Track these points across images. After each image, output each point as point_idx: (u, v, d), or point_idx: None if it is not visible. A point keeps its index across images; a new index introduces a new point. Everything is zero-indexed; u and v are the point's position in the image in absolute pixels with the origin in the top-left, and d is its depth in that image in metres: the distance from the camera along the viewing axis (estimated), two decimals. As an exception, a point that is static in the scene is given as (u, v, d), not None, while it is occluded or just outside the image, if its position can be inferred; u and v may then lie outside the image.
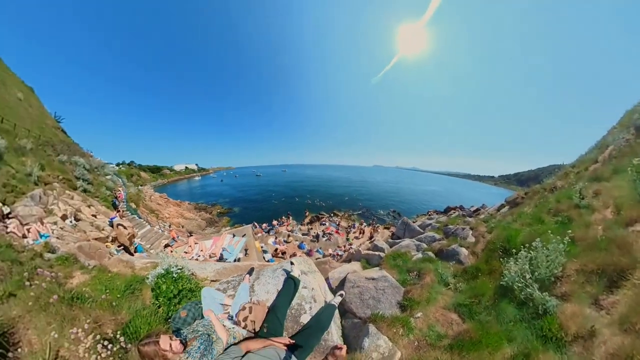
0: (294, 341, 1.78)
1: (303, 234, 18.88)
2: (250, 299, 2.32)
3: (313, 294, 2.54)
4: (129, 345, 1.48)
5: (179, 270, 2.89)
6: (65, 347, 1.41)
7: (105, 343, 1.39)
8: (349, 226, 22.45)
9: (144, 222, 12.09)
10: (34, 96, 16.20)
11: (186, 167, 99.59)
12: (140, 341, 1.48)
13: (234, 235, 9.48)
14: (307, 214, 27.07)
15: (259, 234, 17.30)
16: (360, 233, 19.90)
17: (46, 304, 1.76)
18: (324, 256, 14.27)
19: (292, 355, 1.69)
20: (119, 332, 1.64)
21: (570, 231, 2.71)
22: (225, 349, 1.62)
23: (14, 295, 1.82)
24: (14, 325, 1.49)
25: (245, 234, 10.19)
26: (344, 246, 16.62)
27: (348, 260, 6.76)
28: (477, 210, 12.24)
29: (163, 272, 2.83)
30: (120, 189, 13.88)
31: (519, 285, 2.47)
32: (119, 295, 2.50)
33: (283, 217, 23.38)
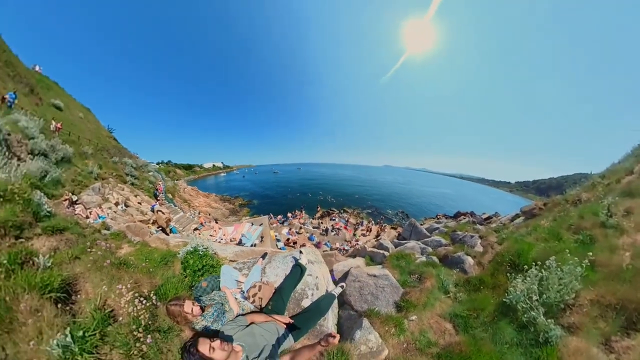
0: (293, 321, 1.84)
1: (314, 227, 19.11)
2: (261, 279, 2.47)
3: (316, 282, 2.59)
4: (159, 303, 1.71)
5: (204, 249, 3.14)
6: (112, 298, 1.68)
7: (141, 299, 1.63)
8: (357, 223, 22.04)
9: (178, 209, 13.51)
10: (91, 114, 20.28)
11: (213, 165, 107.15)
12: (169, 302, 1.69)
13: (252, 224, 9.94)
14: (318, 209, 27.14)
15: (274, 225, 17.88)
16: (367, 231, 19.46)
17: (101, 266, 2.08)
18: (331, 249, 14.29)
19: (290, 334, 1.76)
20: (152, 292, 1.88)
21: (591, 254, 2.26)
22: (234, 318, 1.75)
23: (79, 258, 2.18)
24: (76, 279, 1.82)
25: (262, 224, 10.61)
26: (351, 242, 16.43)
27: (353, 256, 6.67)
28: (489, 218, 11.17)
29: (191, 249, 3.12)
30: (159, 182, 15.52)
31: (523, 306, 2.15)
32: (155, 265, 2.83)
33: (296, 211, 23.72)
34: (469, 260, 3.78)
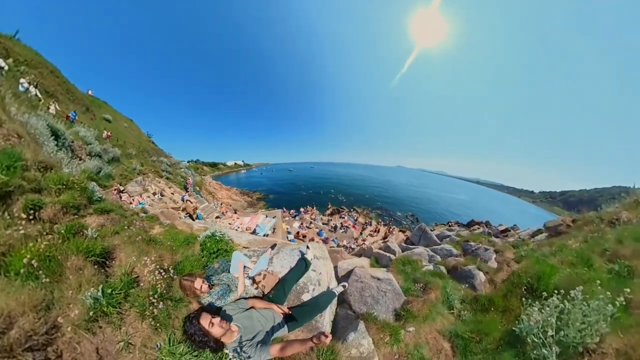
0: (290, 312, 1.85)
1: (323, 224, 19.17)
2: (267, 268, 2.49)
3: (319, 278, 2.52)
4: (175, 276, 1.90)
5: (221, 235, 3.33)
6: (138, 267, 1.92)
7: (161, 271, 1.85)
8: (365, 223, 21.45)
9: (204, 199, 15.29)
10: (134, 124, 24.90)
11: (235, 163, 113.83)
12: (183, 276, 1.83)
13: (266, 216, 10.33)
14: (329, 206, 27.14)
15: (287, 218, 18.43)
16: (375, 231, 18.92)
17: (134, 240, 2.39)
18: (338, 246, 14.13)
19: (285, 324, 1.76)
20: (171, 267, 2.09)
21: (628, 290, 1.78)
22: (237, 300, 1.84)
23: (118, 233, 2.52)
24: (114, 249, 2.14)
25: (275, 216, 10.94)
26: (358, 241, 16.15)
27: (359, 255, 6.36)
28: (506, 230, 9.77)
29: (210, 234, 3.35)
30: (189, 177, 17.88)
31: (535, 340, 1.75)
32: (178, 244, 3.11)
33: (308, 207, 23.96)
34: (481, 275, 3.36)
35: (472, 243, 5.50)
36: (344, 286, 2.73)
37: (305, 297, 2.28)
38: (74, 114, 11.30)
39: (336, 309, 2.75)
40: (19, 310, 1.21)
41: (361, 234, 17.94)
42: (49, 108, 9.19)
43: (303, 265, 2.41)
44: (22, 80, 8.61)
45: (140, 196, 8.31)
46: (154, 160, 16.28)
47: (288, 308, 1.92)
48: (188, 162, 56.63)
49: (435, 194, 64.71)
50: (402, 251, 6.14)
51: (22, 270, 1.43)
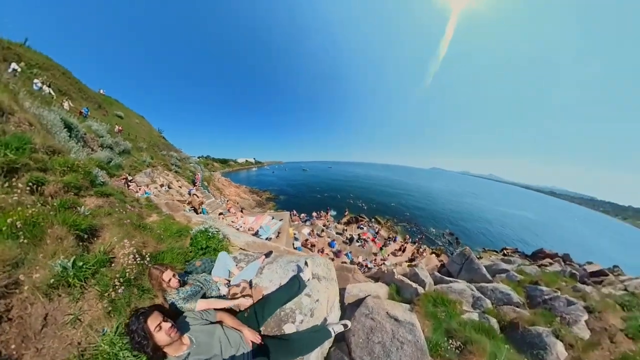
0: (262, 343, 1.66)
1: (337, 233, 18.70)
2: (252, 279, 2.36)
3: (314, 307, 2.19)
4: (150, 265, 2.01)
5: (215, 232, 3.36)
6: (117, 248, 2.11)
7: (137, 256, 2.00)
8: (388, 237, 20.20)
9: (211, 195, 16.89)
10: (145, 120, 29.36)
11: (246, 160, 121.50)
12: (155, 264, 1.90)
13: (272, 217, 10.56)
14: (346, 213, 26.66)
15: (296, 222, 18.56)
16: (400, 250, 17.49)
17: (122, 223, 2.63)
18: (352, 262, 13.66)
19: (252, 359, 1.57)
20: (150, 254, 2.24)
21: None
22: (205, 309, 1.72)
23: (110, 214, 2.80)
24: (102, 229, 2.44)
25: (282, 219, 11.13)
26: (377, 259, 15.29)
27: (375, 278, 5.70)
28: (601, 273, 7.18)
29: (203, 229, 3.51)
30: (198, 172, 19.73)
31: None
32: (169, 234, 3.35)
33: (322, 212, 23.91)
34: (559, 348, 2.48)
35: (545, 288, 4.31)
36: (345, 325, 2.39)
37: (288, 328, 1.96)
38: (87, 110, 13.52)
39: (330, 348, 2.40)
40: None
41: (381, 250, 16.95)
42: (62, 104, 11.17)
43: (296, 285, 2.16)
44: (35, 80, 10.66)
45: (147, 187, 9.39)
46: (164, 154, 18.58)
47: (262, 336, 1.72)
48: (198, 157, 62.73)
49: (485, 207, 53.96)
50: (435, 283, 5.19)
51: (4, 229, 1.68)
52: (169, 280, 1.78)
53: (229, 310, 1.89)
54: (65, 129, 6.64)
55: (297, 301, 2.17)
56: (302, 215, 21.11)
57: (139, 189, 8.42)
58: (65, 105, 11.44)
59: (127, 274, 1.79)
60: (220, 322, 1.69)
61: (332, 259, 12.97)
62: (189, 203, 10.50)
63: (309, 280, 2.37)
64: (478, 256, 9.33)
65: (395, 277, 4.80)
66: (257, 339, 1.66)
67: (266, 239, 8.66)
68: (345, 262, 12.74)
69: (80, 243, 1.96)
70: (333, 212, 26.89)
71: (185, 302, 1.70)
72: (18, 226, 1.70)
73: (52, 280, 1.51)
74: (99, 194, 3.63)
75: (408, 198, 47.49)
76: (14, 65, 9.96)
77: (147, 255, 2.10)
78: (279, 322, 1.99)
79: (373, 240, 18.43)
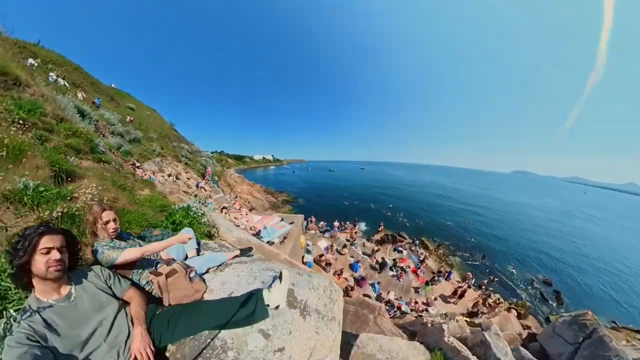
0: None
1: (364, 253, 16.96)
2: (201, 275, 2.02)
3: None
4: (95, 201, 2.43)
5: (199, 214, 3.66)
6: (85, 191, 2.62)
7: (95, 199, 2.53)
8: (438, 271, 16.48)
9: (220, 190, 19.06)
10: (156, 113, 36.40)
11: (263, 157, 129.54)
12: (99, 201, 2.21)
13: (282, 219, 10.87)
14: (380, 228, 24.54)
15: (313, 231, 18.20)
16: (455, 295, 13.45)
17: (104, 177, 3.32)
18: (378, 297, 11.84)
19: None
20: (111, 204, 2.71)
21: None
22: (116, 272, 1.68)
23: (99, 176, 3.49)
24: (83, 176, 3.28)
25: (293, 222, 11.35)
26: (418, 302, 12.39)
27: (411, 332, 4.45)
28: None
29: (186, 206, 3.88)
30: (209, 166, 22.84)
31: None
32: (149, 205, 3.86)
33: (348, 223, 22.83)
34: None
35: None
36: None
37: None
38: (99, 101, 17.51)
39: None
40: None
41: (426, 287, 13.67)
42: (76, 95, 14.04)
43: (250, 307, 1.58)
44: (51, 73, 14.09)
45: (154, 174, 10.96)
46: (175, 145, 22.46)
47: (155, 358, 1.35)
48: (212, 152, 69.53)
49: (619, 242, 32.97)
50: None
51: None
52: (107, 222, 1.73)
53: (145, 293, 1.71)
54: (79, 115, 8.38)
55: (239, 336, 1.54)
56: (322, 223, 20.24)
57: (145, 174, 9.90)
58: (79, 95, 14.53)
59: (74, 210, 2.19)
60: (124, 302, 1.52)
61: (351, 288, 11.91)
62: (195, 196, 11.81)
63: (277, 307, 1.69)
64: (612, 328, 6.93)
65: (446, 338, 3.65)
66: (144, 359, 1.29)
67: (267, 242, 8.86)
68: (368, 296, 11.43)
69: (58, 180, 2.62)
70: (363, 226, 25.80)
71: (109, 250, 1.65)
72: (5, 143, 2.42)
73: (6, 192, 1.99)
74: (96, 160, 4.57)
75: (475, 216, 37.92)
76: (30, 60, 13.21)
77: (107, 202, 2.56)
78: (196, 352, 1.45)
79: (415, 272, 15.43)
